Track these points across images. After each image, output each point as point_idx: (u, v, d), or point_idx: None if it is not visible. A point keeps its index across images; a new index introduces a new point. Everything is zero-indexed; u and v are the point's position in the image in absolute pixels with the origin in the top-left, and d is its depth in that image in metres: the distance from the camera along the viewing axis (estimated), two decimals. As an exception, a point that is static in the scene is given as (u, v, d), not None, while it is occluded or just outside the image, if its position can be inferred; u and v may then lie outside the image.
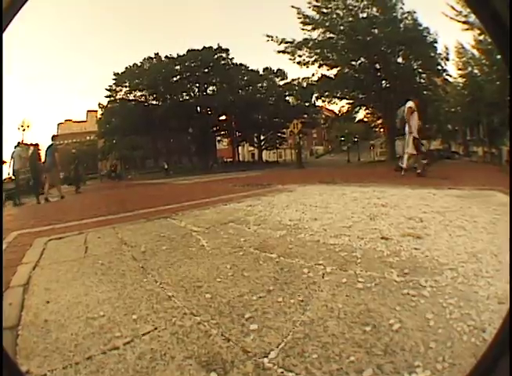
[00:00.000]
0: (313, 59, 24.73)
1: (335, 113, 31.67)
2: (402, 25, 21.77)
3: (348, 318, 1.52)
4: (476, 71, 20.03)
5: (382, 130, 28.62)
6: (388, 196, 5.01)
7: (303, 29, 23.60)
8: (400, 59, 23.08)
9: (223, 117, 39.81)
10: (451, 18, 17.52)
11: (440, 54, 22.34)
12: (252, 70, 39.85)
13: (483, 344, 1.25)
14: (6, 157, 10.41)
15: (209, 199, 6.09)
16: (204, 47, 37.40)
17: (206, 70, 37.19)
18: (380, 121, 27.46)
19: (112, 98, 38.11)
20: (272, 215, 4.13)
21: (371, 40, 21.24)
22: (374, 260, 2.24)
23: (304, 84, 35.43)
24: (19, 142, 11.19)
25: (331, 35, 23.05)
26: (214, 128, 39.68)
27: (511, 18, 0.70)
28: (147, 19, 64.30)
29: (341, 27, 21.97)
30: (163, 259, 2.63)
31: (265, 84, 40.07)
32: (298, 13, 23.00)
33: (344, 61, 24.05)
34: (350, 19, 21.83)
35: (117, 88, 37.74)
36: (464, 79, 21.55)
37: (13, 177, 10.68)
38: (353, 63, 24.22)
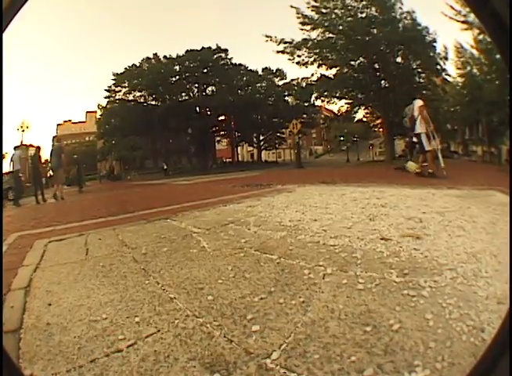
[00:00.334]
0: (312, 59, 24.72)
1: (334, 113, 31.69)
2: (400, 25, 21.74)
3: (349, 319, 1.54)
4: (475, 71, 20.04)
5: (381, 130, 28.60)
6: (388, 196, 5.02)
7: (302, 29, 23.60)
8: (399, 59, 23.06)
9: (222, 118, 39.76)
10: (450, 17, 17.53)
11: (439, 54, 22.37)
12: (251, 70, 39.83)
13: (482, 344, 1.26)
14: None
15: (209, 200, 6.10)
16: (203, 47, 37.37)
17: (205, 71, 37.15)
18: (379, 121, 27.44)
19: (111, 98, 38.03)
20: (272, 215, 4.14)
21: (370, 40, 21.21)
22: (374, 261, 2.25)
23: (304, 84, 35.40)
24: (18, 146, 11.20)
25: (330, 35, 23.01)
26: (214, 129, 39.64)
27: (511, 17, 0.70)
28: (146, 19, 64.37)
29: (340, 27, 21.92)
30: (164, 261, 2.64)
31: (264, 85, 40.01)
32: (297, 13, 22.99)
33: (343, 61, 24.03)
34: (349, 19, 21.78)
35: (116, 89, 37.67)
36: (463, 78, 21.55)
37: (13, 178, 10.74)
38: (352, 62, 24.19)
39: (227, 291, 1.95)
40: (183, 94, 38.60)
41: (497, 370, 0.72)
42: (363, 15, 21.85)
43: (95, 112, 41.90)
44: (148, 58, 38.51)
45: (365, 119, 29.97)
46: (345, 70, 24.93)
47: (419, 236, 2.74)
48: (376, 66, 23.48)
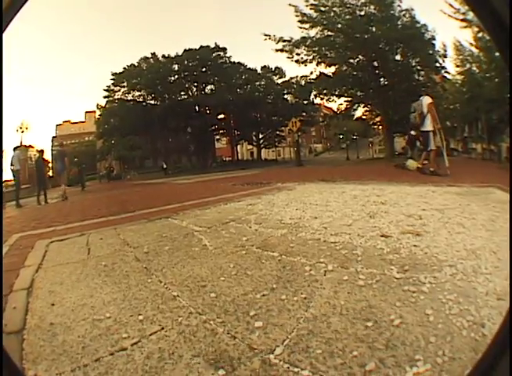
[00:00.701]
0: (311, 57, 24.62)
1: (333, 110, 31.60)
2: (399, 22, 21.66)
3: (350, 314, 1.56)
4: (474, 68, 20.01)
5: (380, 127, 28.62)
6: (387, 193, 5.05)
7: (301, 27, 23.50)
8: (398, 57, 23.04)
9: (222, 116, 39.70)
10: (449, 15, 17.48)
11: (438, 51, 22.34)
12: (250, 68, 39.76)
13: (482, 339, 1.28)
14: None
15: (209, 198, 6.10)
16: (202, 46, 37.31)
17: (204, 70, 37.10)
18: (378, 119, 27.39)
19: (110, 98, 37.99)
20: (272, 213, 4.16)
21: (369, 38, 21.13)
22: (374, 257, 2.28)
23: (303, 83, 35.35)
24: (17, 146, 11.23)
25: (329, 33, 22.93)
26: (213, 127, 39.59)
27: (511, 15, 0.70)
28: (145, 19, 64.21)
29: (339, 25, 21.82)
30: (166, 259, 2.65)
31: (263, 83, 39.95)
32: (296, 12, 22.95)
33: (342, 59, 23.99)
34: (347, 17, 21.72)
35: (115, 89, 37.63)
36: (463, 76, 21.51)
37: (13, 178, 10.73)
38: (351, 60, 24.15)
39: (229, 289, 1.97)
40: (182, 93, 38.56)
41: (497, 368, 0.72)
42: (362, 13, 21.78)
43: (95, 112, 41.87)
44: (146, 57, 38.47)
45: (364, 117, 29.90)
46: (344, 68, 24.89)
47: (419, 233, 2.76)
48: (376, 63, 23.42)
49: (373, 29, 21.30)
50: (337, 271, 2.09)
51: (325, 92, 26.52)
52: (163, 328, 1.59)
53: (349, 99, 27.00)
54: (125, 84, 37.48)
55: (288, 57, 25.21)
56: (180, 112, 35.03)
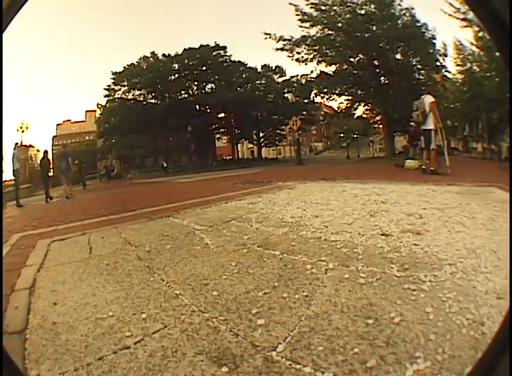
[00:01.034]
0: (311, 56, 24.53)
1: (334, 109, 31.51)
2: (400, 21, 21.60)
3: (351, 312, 1.58)
4: (475, 68, 19.97)
5: (381, 126, 28.54)
6: (388, 192, 5.06)
7: (301, 26, 23.44)
8: (398, 56, 22.99)
9: (222, 115, 39.63)
10: (449, 15, 17.42)
11: (439, 50, 22.30)
12: (250, 67, 39.65)
13: (481, 337, 1.30)
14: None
15: (210, 197, 6.13)
16: (202, 45, 37.24)
17: (204, 68, 37.01)
18: (379, 118, 27.34)
19: (110, 97, 37.93)
20: (273, 212, 4.18)
21: (369, 36, 21.08)
22: (375, 256, 2.30)
23: (303, 81, 35.25)
24: (16, 144, 11.28)
25: (329, 32, 22.90)
26: (213, 126, 39.52)
27: (511, 15, 0.70)
28: (144, 18, 64.08)
29: (339, 24, 21.76)
30: (168, 258, 2.67)
31: (263, 82, 39.89)
32: (296, 10, 22.90)
33: (342, 58, 23.91)
34: (348, 16, 21.69)
35: (116, 88, 37.55)
36: (463, 75, 21.48)
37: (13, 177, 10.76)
38: (351, 59, 24.07)
39: (231, 287, 1.98)
40: (182, 92, 38.48)
41: (497, 368, 0.72)
42: (362, 12, 21.74)
43: (95, 111, 41.78)
44: (146, 57, 38.40)
45: (365, 115, 29.82)
46: (345, 66, 24.82)
47: (419, 232, 2.78)
48: (376, 62, 23.36)
49: (374, 28, 21.25)
50: (338, 269, 2.11)
51: (325, 90, 26.45)
52: (166, 326, 1.60)
53: (350, 97, 26.92)
54: (125, 83, 37.40)
55: (288, 56, 25.16)
56: (180, 111, 34.96)
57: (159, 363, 1.33)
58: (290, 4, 22.88)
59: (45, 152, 13.12)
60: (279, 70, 40.02)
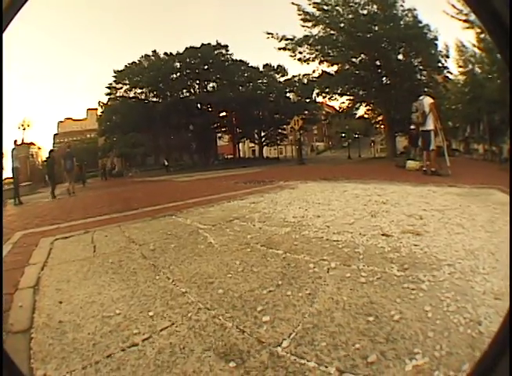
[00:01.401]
0: (314, 55, 24.50)
1: (335, 109, 31.49)
2: (402, 22, 21.54)
3: (353, 309, 1.63)
4: (477, 69, 19.95)
5: (382, 126, 28.51)
6: (389, 193, 5.10)
7: (303, 26, 23.43)
8: (400, 56, 22.98)
9: (223, 114, 39.56)
10: (452, 16, 17.40)
11: (441, 52, 22.27)
12: (252, 66, 39.56)
13: (479, 336, 1.34)
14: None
15: (212, 196, 6.17)
16: (203, 44, 37.20)
17: (206, 67, 36.97)
18: (380, 118, 27.31)
19: (112, 96, 37.94)
20: (275, 212, 4.22)
21: (371, 37, 21.03)
22: (376, 256, 2.35)
23: (305, 81, 35.20)
24: (15, 141, 11.38)
25: (332, 32, 22.91)
26: (215, 125, 39.45)
27: (511, 16, 0.70)
28: (146, 16, 64.03)
29: (342, 24, 21.74)
30: (173, 257, 2.71)
31: (265, 81, 39.82)
32: (299, 10, 22.87)
33: (344, 58, 23.89)
34: (350, 16, 21.66)
35: (117, 86, 37.53)
36: (465, 77, 21.45)
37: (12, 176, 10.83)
38: (353, 59, 24.03)
39: (236, 285, 2.03)
40: (184, 90, 38.42)
41: (497, 369, 0.72)
42: (365, 12, 21.72)
43: (96, 109, 41.74)
44: (148, 55, 38.39)
45: (366, 116, 29.80)
46: (347, 66, 24.78)
47: (419, 233, 2.82)
48: (378, 63, 23.32)
49: (376, 28, 21.22)
50: (340, 268, 2.16)
51: (327, 90, 26.43)
52: (173, 324, 1.64)
53: (351, 97, 26.90)
54: (127, 81, 37.38)
55: (290, 56, 25.16)
56: (182, 109, 34.94)
57: (167, 359, 1.36)
58: (293, 3, 22.89)
59: (52, 151, 14.02)
60: (281, 70, 39.97)
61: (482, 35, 16.15)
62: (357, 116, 30.92)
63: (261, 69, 40.03)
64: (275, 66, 39.91)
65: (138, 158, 38.18)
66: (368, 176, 8.11)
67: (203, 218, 4.17)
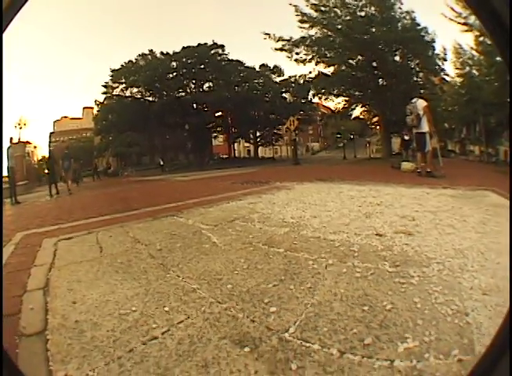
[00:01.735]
0: (310, 56, 24.51)
1: (331, 110, 31.59)
2: (399, 24, 21.60)
3: (349, 300, 1.81)
4: (474, 71, 20.04)
5: (378, 127, 28.65)
6: (383, 195, 5.20)
7: (301, 27, 23.45)
8: (397, 58, 23.07)
9: (219, 114, 39.47)
10: (450, 19, 17.48)
11: (438, 54, 22.38)
12: (248, 66, 39.52)
13: (466, 325, 1.49)
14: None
15: (211, 197, 6.21)
16: (200, 43, 37.12)
17: (202, 67, 36.89)
18: (376, 119, 27.44)
19: (108, 95, 37.75)
20: (274, 212, 4.33)
21: (368, 38, 21.04)
22: (370, 254, 2.51)
23: (301, 81, 35.35)
24: (11, 139, 11.43)
25: (329, 33, 22.94)
26: (210, 125, 39.31)
27: (511, 16, 0.71)
28: (143, 16, 63.60)
29: (339, 26, 21.75)
30: (180, 256, 2.80)
31: (261, 81, 39.78)
32: (296, 11, 22.93)
33: (341, 59, 23.89)
34: (348, 17, 21.71)
35: (114, 85, 37.31)
36: (462, 79, 21.53)
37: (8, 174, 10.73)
38: (350, 61, 24.06)
39: (243, 280, 2.18)
40: (180, 90, 38.23)
41: (497, 369, 0.74)
42: (362, 14, 21.79)
43: (92, 108, 41.48)
44: (144, 54, 38.22)
45: (362, 117, 29.96)
46: (343, 67, 24.77)
47: (410, 233, 2.97)
48: (374, 64, 23.41)
49: (373, 30, 21.26)
50: (337, 265, 2.33)
51: (323, 91, 26.46)
52: (188, 317, 1.75)
53: (347, 98, 26.98)
54: (123, 80, 37.19)
55: (287, 56, 25.19)
56: (178, 109, 34.83)
57: (187, 349, 1.46)
58: (290, 4, 22.94)
59: (51, 150, 14.53)
60: (277, 70, 39.98)
61: (481, 38, 16.25)
62: (353, 117, 31.05)
63: (257, 69, 40.01)
64: (272, 67, 39.93)
65: (133, 157, 38.03)
66: (363, 178, 8.17)
67: (204, 219, 4.24)
